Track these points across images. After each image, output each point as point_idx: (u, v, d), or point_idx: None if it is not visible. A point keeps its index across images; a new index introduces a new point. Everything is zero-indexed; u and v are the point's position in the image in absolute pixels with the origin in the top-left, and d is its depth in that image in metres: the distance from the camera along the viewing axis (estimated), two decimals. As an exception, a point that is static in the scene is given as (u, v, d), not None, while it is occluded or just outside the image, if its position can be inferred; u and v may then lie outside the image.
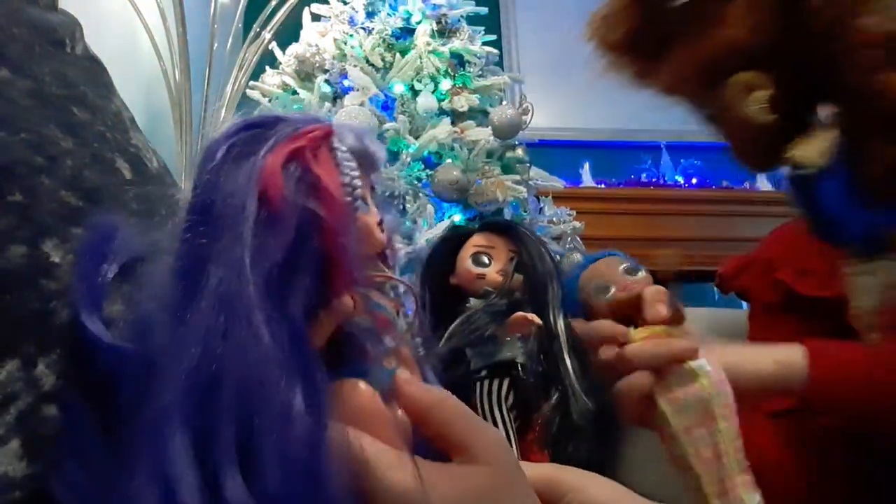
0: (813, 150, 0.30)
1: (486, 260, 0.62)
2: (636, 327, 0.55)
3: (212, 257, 0.28)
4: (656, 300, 0.56)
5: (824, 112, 0.39)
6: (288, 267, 0.29)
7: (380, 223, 0.35)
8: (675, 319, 0.54)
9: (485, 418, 0.54)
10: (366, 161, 0.34)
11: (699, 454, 0.50)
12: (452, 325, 0.58)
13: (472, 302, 0.60)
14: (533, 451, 0.56)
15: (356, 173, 0.33)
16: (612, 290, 0.60)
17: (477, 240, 0.65)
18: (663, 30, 0.29)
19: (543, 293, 0.60)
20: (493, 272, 0.62)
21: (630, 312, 0.56)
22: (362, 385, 0.32)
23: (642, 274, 0.61)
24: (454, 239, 0.67)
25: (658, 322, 0.54)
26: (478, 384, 0.57)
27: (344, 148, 0.33)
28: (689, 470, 0.51)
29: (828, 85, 0.30)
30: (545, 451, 0.56)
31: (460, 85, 1.82)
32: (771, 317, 0.61)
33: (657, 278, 0.65)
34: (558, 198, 2.00)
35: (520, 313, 0.58)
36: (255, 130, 0.32)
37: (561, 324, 0.58)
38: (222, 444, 0.25)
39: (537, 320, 0.57)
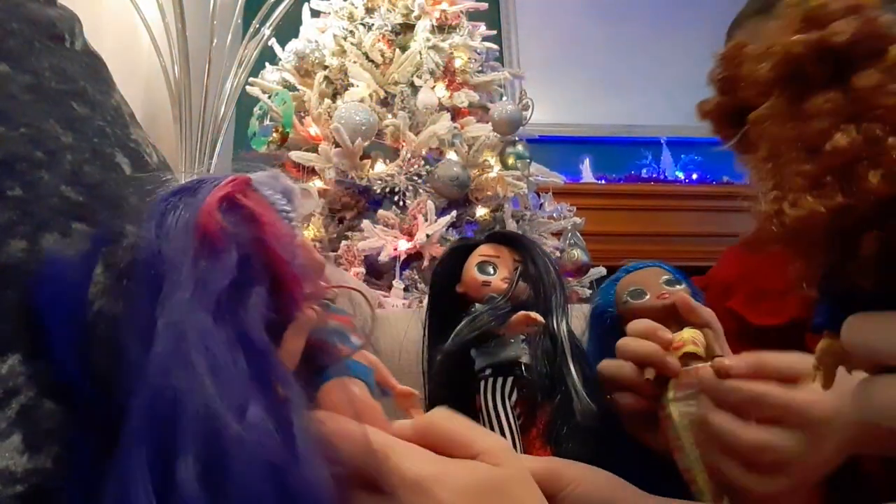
0: None
1: (491, 269, 0.64)
2: None
3: (160, 304, 0.29)
4: (690, 310, 0.56)
5: None
6: (236, 291, 0.30)
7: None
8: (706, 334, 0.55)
9: (489, 415, 0.56)
10: (288, 197, 0.37)
11: (705, 470, 0.50)
12: (459, 326, 0.59)
13: (477, 307, 0.62)
14: (536, 448, 0.57)
15: (288, 206, 0.35)
16: (647, 297, 0.60)
17: (483, 250, 0.67)
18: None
19: (547, 300, 0.62)
20: (498, 280, 0.63)
21: (660, 322, 0.56)
22: (350, 381, 0.36)
23: (682, 286, 0.60)
24: (461, 249, 0.69)
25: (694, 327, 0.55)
26: (482, 382, 0.58)
27: (268, 189, 0.35)
28: (693, 483, 0.51)
29: None
30: (548, 447, 0.57)
31: (460, 81, 1.82)
32: (731, 344, 0.61)
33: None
34: (558, 193, 2.00)
35: (522, 312, 0.59)
36: (181, 195, 0.33)
37: (564, 328, 0.61)
38: (181, 461, 0.25)
39: (540, 319, 0.58)
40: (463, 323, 0.60)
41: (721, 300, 0.74)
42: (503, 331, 0.59)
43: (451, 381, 0.60)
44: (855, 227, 0.27)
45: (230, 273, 0.30)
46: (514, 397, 0.58)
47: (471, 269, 0.65)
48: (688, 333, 0.55)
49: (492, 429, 0.55)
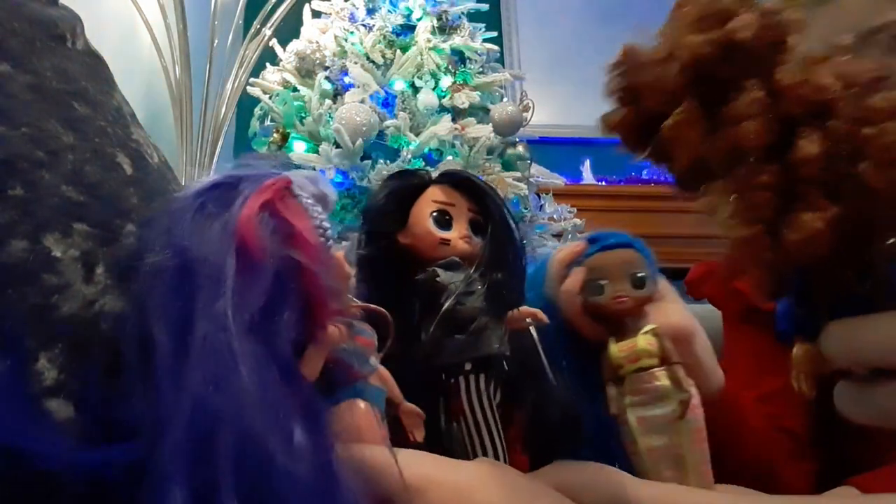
0: None
1: (448, 221, 0.53)
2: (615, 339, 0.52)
3: (196, 316, 0.28)
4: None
5: None
6: (271, 310, 0.30)
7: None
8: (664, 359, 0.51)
9: (476, 422, 0.49)
10: (323, 204, 0.37)
11: (661, 476, 0.49)
12: (443, 310, 0.49)
13: (443, 275, 0.51)
14: (516, 451, 0.51)
15: (324, 216, 0.35)
16: (604, 294, 0.53)
17: (435, 194, 0.54)
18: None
19: (513, 274, 0.53)
20: (457, 237, 0.53)
21: (613, 318, 0.53)
22: (361, 404, 0.36)
23: (647, 291, 0.53)
24: (406, 189, 0.55)
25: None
26: (462, 380, 0.50)
27: (306, 195, 0.35)
28: None
29: None
30: (526, 453, 0.52)
31: (461, 82, 1.82)
32: (734, 328, 0.58)
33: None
34: (559, 195, 2.00)
35: (527, 308, 0.51)
36: (221, 189, 0.33)
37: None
38: (226, 497, 0.25)
39: (544, 318, 0.51)
40: (446, 308, 0.49)
41: (726, 284, 0.72)
42: (489, 322, 0.50)
43: (428, 371, 0.50)
44: (858, 230, 0.26)
45: (267, 290, 0.30)
46: (497, 397, 0.50)
47: (424, 220, 0.53)
48: (643, 342, 0.51)
49: (478, 437, 0.49)
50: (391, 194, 0.54)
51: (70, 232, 0.30)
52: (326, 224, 0.35)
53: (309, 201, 0.35)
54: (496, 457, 0.48)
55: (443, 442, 0.49)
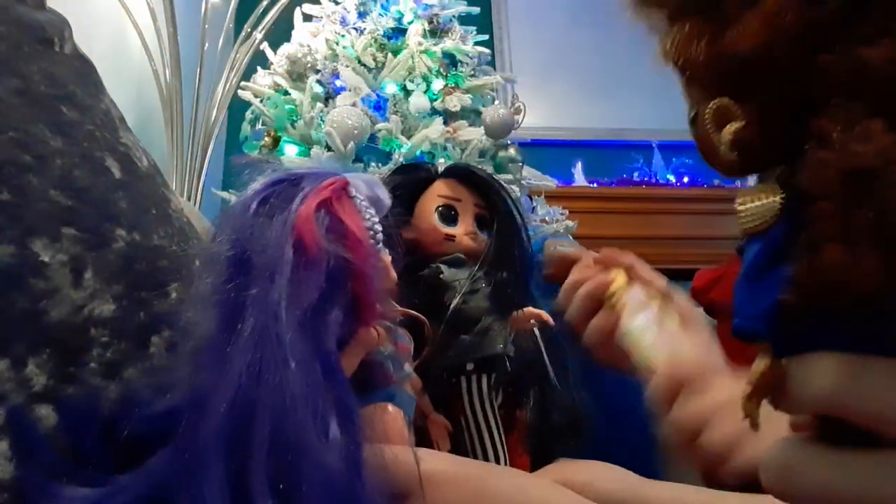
0: (756, 210, 0.22)
1: (453, 217, 0.53)
2: None
3: (249, 304, 0.30)
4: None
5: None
6: (321, 307, 0.31)
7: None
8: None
9: (473, 417, 0.49)
10: (377, 207, 0.38)
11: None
12: (451, 310, 0.49)
13: (447, 272, 0.50)
14: (517, 453, 0.51)
15: (376, 218, 0.37)
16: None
17: (441, 188, 0.54)
18: None
19: (520, 275, 0.52)
20: (462, 233, 0.53)
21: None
22: (391, 408, 0.37)
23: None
24: (411, 184, 0.54)
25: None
26: (464, 380, 0.50)
27: (362, 196, 0.36)
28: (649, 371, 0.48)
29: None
30: (527, 454, 0.51)
31: (452, 85, 1.82)
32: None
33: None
34: (551, 197, 2.00)
35: (531, 310, 0.51)
36: (283, 185, 0.34)
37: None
38: (257, 480, 0.26)
39: (549, 320, 0.51)
40: (453, 308, 0.49)
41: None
42: (494, 322, 0.50)
43: (427, 376, 0.50)
44: None
45: (320, 287, 0.31)
46: (499, 398, 0.50)
47: (429, 214, 0.53)
48: (621, 279, 0.52)
49: (479, 438, 0.48)
50: (396, 189, 0.53)
51: (58, 237, 0.29)
52: (378, 227, 0.36)
53: (364, 203, 0.36)
54: (496, 458, 0.48)
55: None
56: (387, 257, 0.37)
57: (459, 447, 0.49)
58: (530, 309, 0.51)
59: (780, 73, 0.21)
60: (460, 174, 0.55)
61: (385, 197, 0.38)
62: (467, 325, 0.49)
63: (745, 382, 0.23)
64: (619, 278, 0.51)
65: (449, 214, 0.53)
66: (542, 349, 0.52)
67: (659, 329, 0.49)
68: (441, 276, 0.51)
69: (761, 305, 0.21)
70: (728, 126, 0.23)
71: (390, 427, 0.36)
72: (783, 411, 0.21)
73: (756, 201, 0.23)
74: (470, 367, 0.50)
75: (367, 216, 0.36)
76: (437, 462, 0.35)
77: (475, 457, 0.48)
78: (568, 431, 0.50)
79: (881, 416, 0.19)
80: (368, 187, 0.37)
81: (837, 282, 0.18)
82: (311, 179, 0.35)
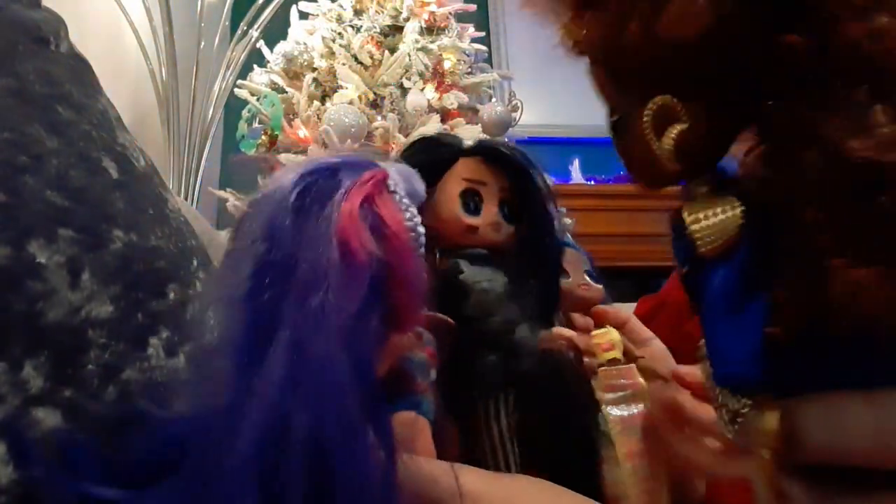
0: (713, 228, 0.18)
1: (476, 203, 0.46)
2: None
3: (285, 311, 0.28)
4: (606, 314, 0.53)
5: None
6: (362, 318, 0.29)
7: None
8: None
9: (489, 436, 0.44)
10: (413, 200, 0.36)
11: (639, 488, 0.46)
12: (475, 321, 0.44)
13: (467, 271, 0.45)
14: (532, 473, 0.48)
15: (417, 218, 0.34)
16: (570, 279, 0.53)
17: (465, 170, 0.47)
18: None
19: (547, 284, 0.46)
20: (485, 224, 0.46)
21: (572, 309, 0.53)
22: (420, 418, 0.35)
23: (600, 286, 0.55)
24: (436, 163, 0.47)
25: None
26: (490, 402, 0.44)
27: (402, 192, 0.34)
28: (624, 499, 0.46)
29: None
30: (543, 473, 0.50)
31: (449, 83, 1.82)
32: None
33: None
34: (548, 195, 2.00)
35: (566, 332, 0.46)
36: (320, 177, 0.32)
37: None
38: (291, 489, 0.25)
39: (579, 344, 0.47)
40: (476, 330, 0.42)
41: (677, 321, 0.68)
42: (526, 342, 0.44)
43: (444, 391, 0.44)
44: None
45: (363, 295, 0.29)
46: (517, 416, 0.45)
47: (451, 201, 0.46)
48: (615, 336, 0.51)
49: (492, 457, 0.44)
50: (418, 168, 0.46)
51: (55, 238, 0.29)
52: (420, 228, 0.34)
53: (405, 200, 0.34)
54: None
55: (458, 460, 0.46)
56: (421, 258, 0.36)
57: (476, 464, 0.46)
58: (560, 330, 0.47)
59: (735, 61, 0.17)
60: (487, 153, 0.48)
61: (421, 190, 0.36)
62: (495, 343, 0.44)
63: (746, 449, 0.19)
64: (613, 351, 0.50)
65: (472, 201, 0.46)
66: (565, 372, 0.47)
67: (629, 417, 0.48)
68: (460, 275, 0.45)
69: (748, 346, 0.17)
70: (669, 130, 0.19)
71: (420, 436, 0.34)
72: (789, 463, 0.18)
73: (712, 217, 0.19)
74: (494, 389, 0.44)
75: (409, 215, 0.33)
76: (472, 478, 0.33)
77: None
78: (585, 452, 0.46)
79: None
80: (405, 180, 0.35)
81: (844, 305, 0.15)
82: (347, 171, 0.32)
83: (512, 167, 0.48)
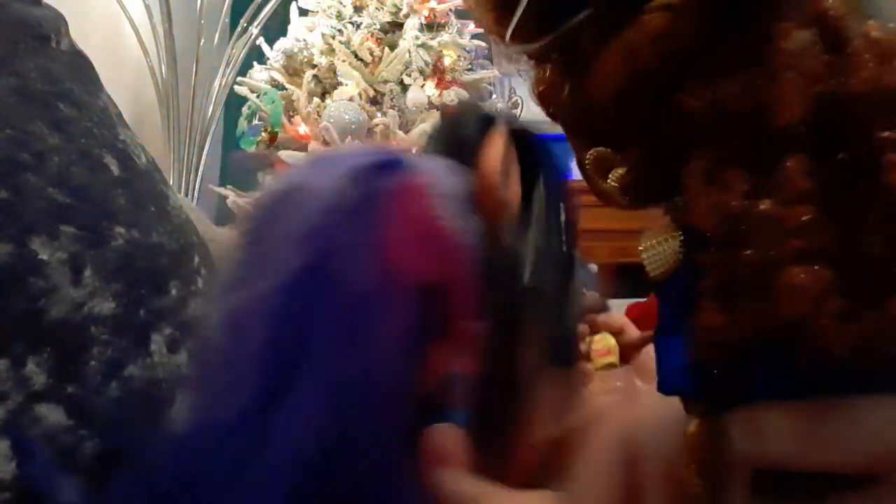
0: (658, 255, 0.20)
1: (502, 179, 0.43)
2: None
3: (324, 333, 0.26)
4: (603, 321, 0.55)
5: None
6: (410, 343, 0.27)
7: None
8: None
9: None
10: (453, 202, 0.33)
11: None
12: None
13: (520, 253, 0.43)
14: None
15: (461, 225, 0.31)
16: None
17: (499, 145, 0.45)
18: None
19: (562, 286, 0.45)
20: (514, 197, 0.45)
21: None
22: (454, 433, 0.32)
23: (595, 293, 0.57)
24: (476, 142, 0.44)
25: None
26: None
27: (444, 194, 0.31)
28: None
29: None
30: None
31: (450, 79, 1.82)
32: None
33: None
34: (549, 191, 2.00)
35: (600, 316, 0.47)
36: (361, 178, 0.29)
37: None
38: None
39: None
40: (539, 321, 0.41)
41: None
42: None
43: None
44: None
45: (412, 319, 0.27)
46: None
47: (491, 177, 0.43)
48: (611, 341, 0.53)
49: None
50: (460, 147, 0.44)
51: (57, 234, 0.29)
52: (468, 236, 0.31)
53: (451, 205, 0.31)
54: None
55: None
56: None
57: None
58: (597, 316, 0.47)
59: (647, 119, 0.19)
60: (519, 134, 0.47)
61: (459, 192, 0.33)
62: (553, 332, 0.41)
63: (672, 448, 0.20)
64: (609, 357, 0.51)
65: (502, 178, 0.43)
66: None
67: None
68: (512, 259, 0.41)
69: (680, 360, 0.18)
70: (612, 173, 0.21)
71: (454, 453, 0.32)
72: (713, 472, 0.19)
73: (657, 246, 0.20)
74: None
75: (454, 224, 0.30)
76: (499, 498, 0.33)
77: None
78: None
79: (846, 461, 0.17)
80: (447, 178, 0.32)
81: (715, 341, 0.17)
82: (389, 170, 0.29)
83: (532, 147, 0.48)
